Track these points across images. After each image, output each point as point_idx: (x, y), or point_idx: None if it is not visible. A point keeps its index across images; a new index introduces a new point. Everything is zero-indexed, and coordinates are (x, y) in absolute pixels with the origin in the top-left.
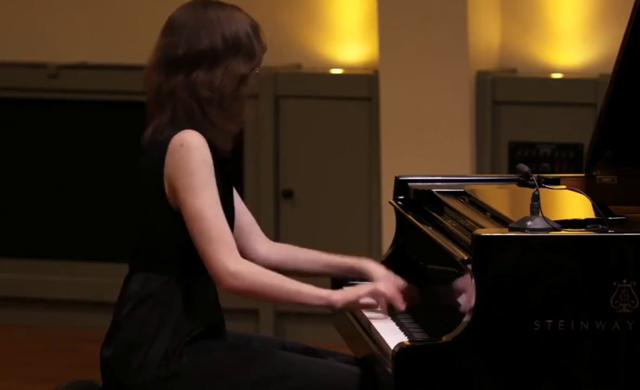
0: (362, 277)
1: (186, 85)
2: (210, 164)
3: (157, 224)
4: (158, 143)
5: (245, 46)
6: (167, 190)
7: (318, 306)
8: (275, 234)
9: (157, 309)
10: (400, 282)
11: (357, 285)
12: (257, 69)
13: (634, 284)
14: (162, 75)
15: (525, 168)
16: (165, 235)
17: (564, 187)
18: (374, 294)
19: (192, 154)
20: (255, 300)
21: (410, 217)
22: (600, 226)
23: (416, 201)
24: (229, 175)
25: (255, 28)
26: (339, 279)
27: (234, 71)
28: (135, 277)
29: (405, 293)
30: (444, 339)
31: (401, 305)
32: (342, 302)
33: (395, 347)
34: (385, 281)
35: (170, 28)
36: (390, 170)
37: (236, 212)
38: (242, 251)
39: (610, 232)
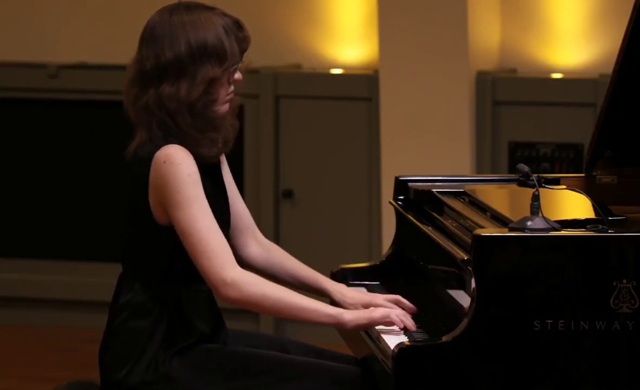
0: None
1: (155, 100)
2: (196, 177)
3: (143, 238)
4: (140, 160)
5: (214, 50)
6: (152, 206)
7: (325, 324)
8: (275, 234)
9: (146, 320)
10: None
11: (371, 309)
12: (236, 66)
13: (634, 284)
14: (137, 90)
15: (525, 168)
16: (151, 249)
17: (564, 187)
18: (387, 320)
19: (175, 169)
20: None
21: (410, 217)
22: (600, 226)
23: (416, 201)
24: (221, 180)
25: (228, 26)
26: (339, 278)
27: (202, 77)
28: (125, 287)
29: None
30: (444, 339)
31: (412, 327)
32: (354, 323)
33: (395, 347)
34: (386, 305)
35: (143, 39)
36: (390, 170)
37: (233, 211)
38: (233, 249)
39: (610, 232)
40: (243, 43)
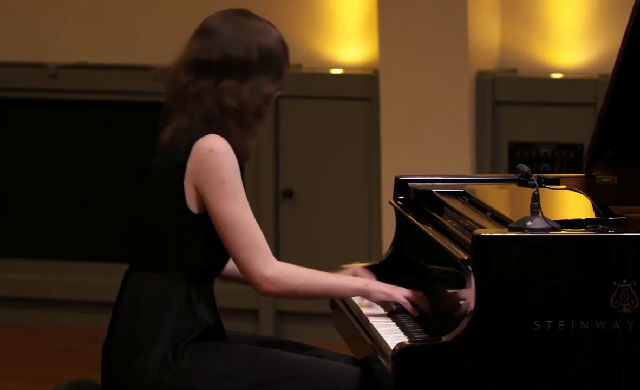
0: None
1: (213, 91)
2: (238, 169)
3: (168, 225)
4: (177, 145)
5: (276, 64)
6: (187, 193)
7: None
8: (275, 234)
9: (156, 311)
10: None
11: (397, 287)
12: (281, 90)
13: (634, 284)
14: (191, 77)
15: (525, 168)
16: (175, 237)
17: (564, 187)
18: (410, 301)
19: (222, 159)
20: (257, 301)
21: (410, 217)
22: (600, 226)
23: (416, 201)
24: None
25: (286, 48)
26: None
27: (261, 89)
28: (135, 277)
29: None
30: (444, 339)
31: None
32: (378, 294)
33: (395, 347)
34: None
35: (207, 31)
36: (390, 170)
37: None
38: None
39: (610, 232)
40: (289, 69)
